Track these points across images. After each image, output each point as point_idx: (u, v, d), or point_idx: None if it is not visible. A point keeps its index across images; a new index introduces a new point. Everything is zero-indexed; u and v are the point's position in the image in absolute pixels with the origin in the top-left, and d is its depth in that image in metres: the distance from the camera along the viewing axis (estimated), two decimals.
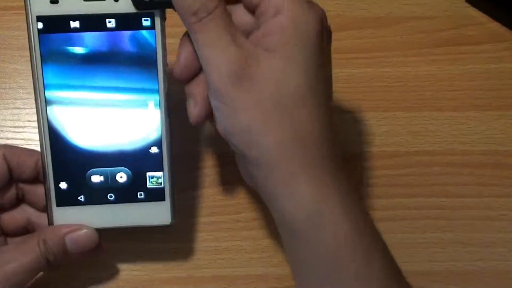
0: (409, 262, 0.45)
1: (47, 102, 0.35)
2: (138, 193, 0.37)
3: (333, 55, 0.49)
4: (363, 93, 0.49)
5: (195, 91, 0.35)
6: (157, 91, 0.35)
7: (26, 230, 0.40)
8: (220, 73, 0.32)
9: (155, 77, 0.35)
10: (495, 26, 0.51)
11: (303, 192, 0.32)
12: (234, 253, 0.45)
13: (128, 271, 0.44)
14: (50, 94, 0.35)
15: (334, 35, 0.50)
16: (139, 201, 0.37)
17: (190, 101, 0.35)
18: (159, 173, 0.36)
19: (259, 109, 0.32)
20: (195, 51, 0.34)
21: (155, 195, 0.37)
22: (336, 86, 0.49)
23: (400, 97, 0.49)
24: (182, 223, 0.45)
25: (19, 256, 0.36)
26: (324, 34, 0.34)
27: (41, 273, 0.42)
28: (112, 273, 0.44)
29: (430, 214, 0.46)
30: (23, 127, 0.45)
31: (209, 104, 0.34)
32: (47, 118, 0.35)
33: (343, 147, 0.47)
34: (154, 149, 0.36)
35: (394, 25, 0.50)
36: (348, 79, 0.49)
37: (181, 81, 0.35)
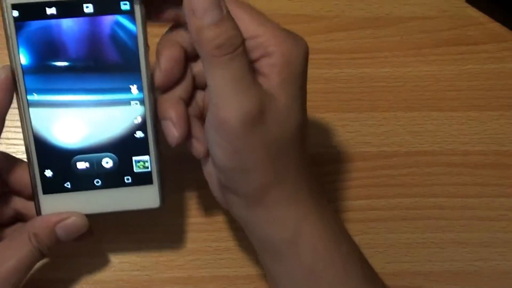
0: (409, 262, 0.45)
1: (27, 90, 0.34)
2: (125, 177, 0.36)
3: (333, 55, 0.50)
4: (363, 93, 0.49)
5: (169, 114, 0.34)
6: (139, 75, 0.35)
7: (16, 219, 0.40)
8: (236, 113, 0.30)
9: (137, 61, 0.34)
10: (495, 26, 0.51)
11: (284, 216, 0.34)
12: (234, 253, 0.45)
13: (128, 271, 0.44)
14: (30, 81, 0.34)
15: (334, 35, 0.50)
16: (127, 185, 0.36)
17: (167, 123, 0.34)
18: (146, 157, 0.36)
19: (264, 151, 0.32)
20: (178, 54, 0.33)
21: (143, 179, 0.36)
22: (336, 86, 0.49)
23: (400, 97, 0.49)
24: (182, 223, 0.45)
25: (14, 254, 0.35)
26: (308, 60, 0.34)
27: (40, 275, 0.42)
28: (112, 273, 0.44)
29: (430, 214, 0.46)
30: None
31: (188, 123, 0.34)
32: (28, 105, 0.34)
33: (343, 148, 0.47)
34: (139, 134, 0.36)
35: (394, 25, 0.50)
36: (348, 79, 0.49)
37: (162, 88, 0.35)
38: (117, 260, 0.44)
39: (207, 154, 0.35)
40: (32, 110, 0.35)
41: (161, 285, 0.44)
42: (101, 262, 0.44)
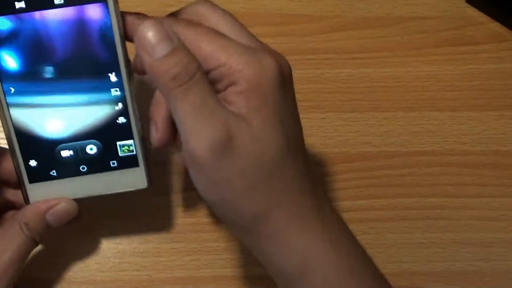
0: (409, 262, 0.45)
1: (3, 84, 0.34)
2: (111, 162, 0.36)
3: (333, 55, 0.50)
4: (363, 93, 0.49)
5: (155, 116, 0.34)
6: (117, 62, 0.34)
7: (7, 207, 0.40)
8: (203, 143, 0.29)
9: (114, 49, 0.34)
10: (495, 26, 0.51)
11: (289, 244, 0.32)
12: (234, 253, 0.45)
13: (128, 271, 0.44)
14: (6, 75, 0.34)
15: (334, 35, 0.50)
16: (113, 169, 0.37)
17: (151, 125, 0.34)
18: (130, 141, 0.36)
19: (242, 179, 0.30)
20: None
21: (128, 162, 0.37)
22: (336, 86, 0.49)
23: (400, 97, 0.49)
24: (182, 223, 0.45)
25: (8, 246, 0.36)
26: (285, 80, 0.31)
27: (39, 275, 0.42)
28: (112, 273, 0.44)
29: (430, 214, 0.46)
30: None
31: (170, 127, 0.34)
32: (6, 102, 0.34)
33: (343, 147, 0.47)
34: (121, 119, 0.36)
35: (394, 25, 0.50)
36: (348, 79, 0.49)
37: (140, 73, 0.35)
38: (117, 260, 0.44)
39: (164, 143, 0.34)
40: (11, 106, 0.34)
41: (161, 285, 0.44)
42: (101, 262, 0.44)
